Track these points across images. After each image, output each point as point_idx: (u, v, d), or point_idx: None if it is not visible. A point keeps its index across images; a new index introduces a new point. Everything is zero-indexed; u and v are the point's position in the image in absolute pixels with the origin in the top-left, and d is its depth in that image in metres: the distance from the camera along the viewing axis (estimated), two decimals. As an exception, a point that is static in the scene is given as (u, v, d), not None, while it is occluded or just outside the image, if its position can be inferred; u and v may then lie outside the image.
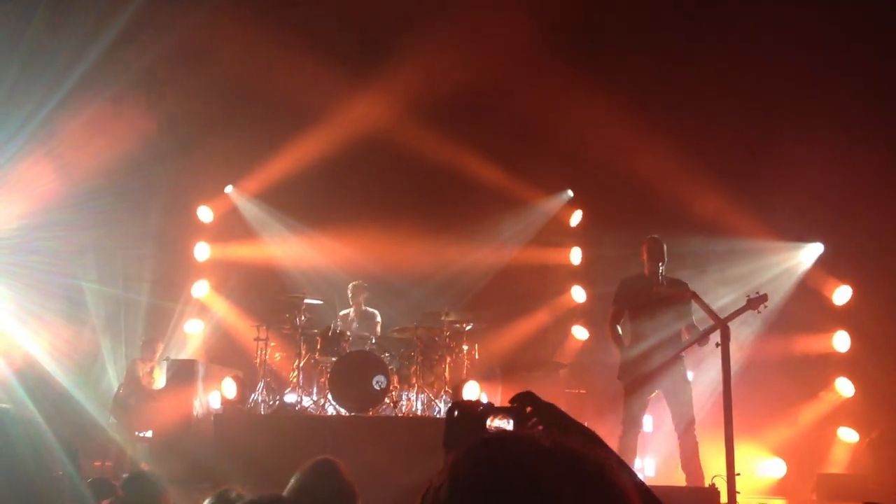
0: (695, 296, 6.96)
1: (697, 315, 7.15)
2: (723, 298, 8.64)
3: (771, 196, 9.51)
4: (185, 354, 10.37)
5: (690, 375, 7.47)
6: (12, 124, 9.66)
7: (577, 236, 11.24)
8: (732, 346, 6.38)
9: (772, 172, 9.54)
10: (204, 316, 11.05)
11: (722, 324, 6.36)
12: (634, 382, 7.27)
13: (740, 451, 6.31)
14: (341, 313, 10.09)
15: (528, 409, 1.75)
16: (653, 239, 7.56)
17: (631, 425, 7.24)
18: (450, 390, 9.29)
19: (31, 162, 9.78)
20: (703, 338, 6.83)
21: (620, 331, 7.58)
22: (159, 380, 9.77)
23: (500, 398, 8.92)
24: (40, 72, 9.72)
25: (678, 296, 7.28)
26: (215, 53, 10.20)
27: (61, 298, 10.02)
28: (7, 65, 9.44)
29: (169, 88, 10.71)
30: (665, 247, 7.48)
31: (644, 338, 7.30)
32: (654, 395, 7.30)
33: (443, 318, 9.66)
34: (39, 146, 9.85)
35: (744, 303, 6.54)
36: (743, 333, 8.76)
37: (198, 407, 9.07)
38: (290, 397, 9.36)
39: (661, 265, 7.36)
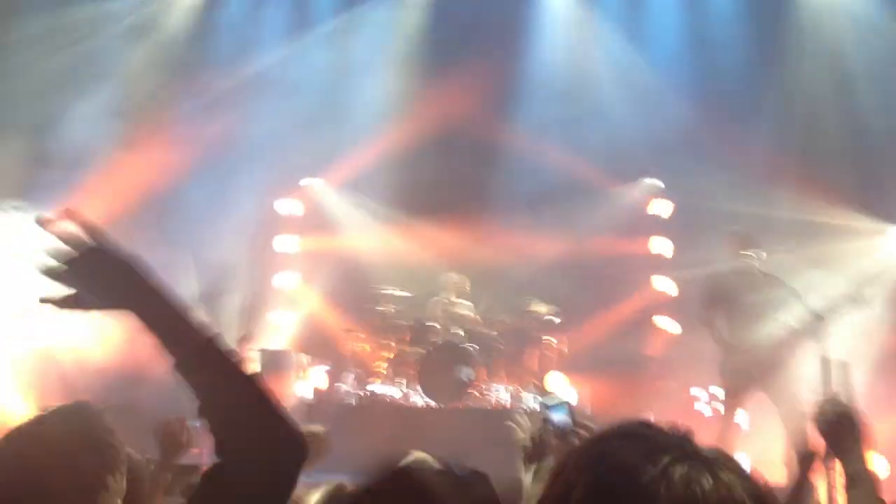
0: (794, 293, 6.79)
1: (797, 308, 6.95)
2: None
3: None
4: (275, 345, 10.56)
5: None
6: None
7: (668, 227, 11.03)
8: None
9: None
10: (293, 307, 11.24)
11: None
12: (738, 382, 7.13)
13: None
14: (432, 300, 10.12)
15: None
16: (744, 231, 7.39)
17: (731, 422, 7.12)
18: (538, 382, 9.27)
19: (127, 156, 10.08)
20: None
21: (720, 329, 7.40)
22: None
23: (589, 391, 8.86)
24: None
25: (776, 292, 7.09)
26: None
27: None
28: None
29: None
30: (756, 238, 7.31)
31: (745, 337, 7.13)
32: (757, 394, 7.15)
33: (531, 309, 9.64)
34: (134, 142, 10.14)
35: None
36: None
37: (291, 397, 9.24)
38: (379, 388, 9.49)
39: (756, 259, 7.19)
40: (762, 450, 7.47)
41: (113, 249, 1.58)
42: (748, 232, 7.45)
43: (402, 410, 9.06)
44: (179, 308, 1.60)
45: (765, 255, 7.36)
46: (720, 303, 7.41)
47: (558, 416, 2.46)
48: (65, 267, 1.56)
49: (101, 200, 9.55)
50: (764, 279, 7.20)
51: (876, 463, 8.00)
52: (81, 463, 1.99)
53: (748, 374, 7.05)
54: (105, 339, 8.95)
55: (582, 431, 2.44)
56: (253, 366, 9.88)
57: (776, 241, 8.19)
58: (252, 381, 1.64)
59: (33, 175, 9.24)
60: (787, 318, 7.08)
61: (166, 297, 1.60)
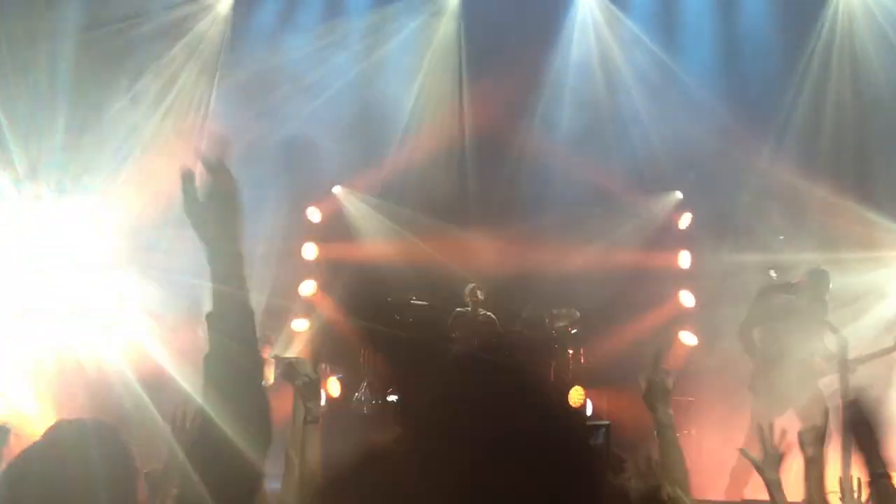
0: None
1: None
2: None
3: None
4: (291, 353, 10.53)
5: None
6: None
7: (686, 239, 10.94)
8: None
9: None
10: (310, 315, 11.21)
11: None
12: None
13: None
14: (455, 312, 10.05)
15: None
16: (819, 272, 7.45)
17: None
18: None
19: (156, 159, 10.09)
20: None
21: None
22: (269, 378, 9.95)
23: (605, 404, 8.78)
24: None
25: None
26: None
27: (183, 297, 10.25)
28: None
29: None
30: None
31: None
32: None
33: (548, 321, 9.58)
34: (163, 144, 10.17)
35: None
36: None
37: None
38: (392, 397, 9.44)
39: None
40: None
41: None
42: (820, 272, 7.53)
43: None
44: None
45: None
46: (761, 322, 7.46)
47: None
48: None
49: (136, 199, 9.62)
50: (808, 310, 7.23)
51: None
52: (99, 483, 1.98)
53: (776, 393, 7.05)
54: (127, 345, 8.98)
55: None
56: (270, 371, 9.85)
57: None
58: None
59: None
60: (818, 349, 7.07)
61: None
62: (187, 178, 1.81)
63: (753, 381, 7.32)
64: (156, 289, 9.56)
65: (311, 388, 3.34)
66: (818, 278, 7.42)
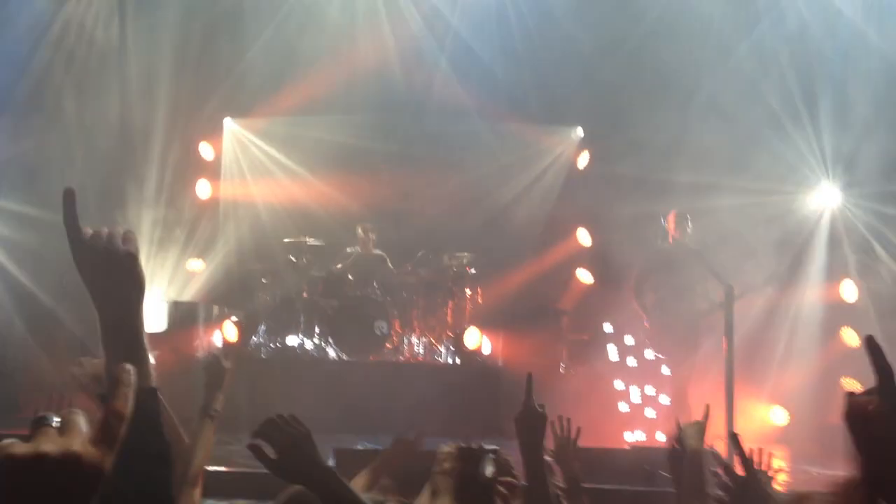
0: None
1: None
2: None
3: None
4: (186, 296, 10.28)
5: None
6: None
7: (584, 177, 11.02)
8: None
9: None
10: (205, 256, 10.93)
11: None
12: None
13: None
14: (347, 251, 9.98)
15: None
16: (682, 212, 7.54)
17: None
18: (451, 335, 9.25)
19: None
20: None
21: None
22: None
23: (501, 346, 8.87)
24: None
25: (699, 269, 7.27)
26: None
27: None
28: None
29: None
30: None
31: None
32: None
33: (445, 260, 9.58)
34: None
35: None
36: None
37: (199, 350, 9.02)
38: (291, 340, 9.33)
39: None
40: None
41: None
42: (685, 212, 7.61)
43: (314, 364, 8.95)
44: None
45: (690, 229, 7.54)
46: (651, 277, 7.57)
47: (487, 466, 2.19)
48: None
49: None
50: (693, 256, 7.34)
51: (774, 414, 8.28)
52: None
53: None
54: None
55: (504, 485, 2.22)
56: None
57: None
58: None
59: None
60: (707, 294, 7.22)
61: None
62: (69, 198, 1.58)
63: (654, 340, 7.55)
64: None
65: (215, 377, 3.08)
66: (681, 221, 7.54)
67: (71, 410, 1.01)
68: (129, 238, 1.63)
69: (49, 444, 0.95)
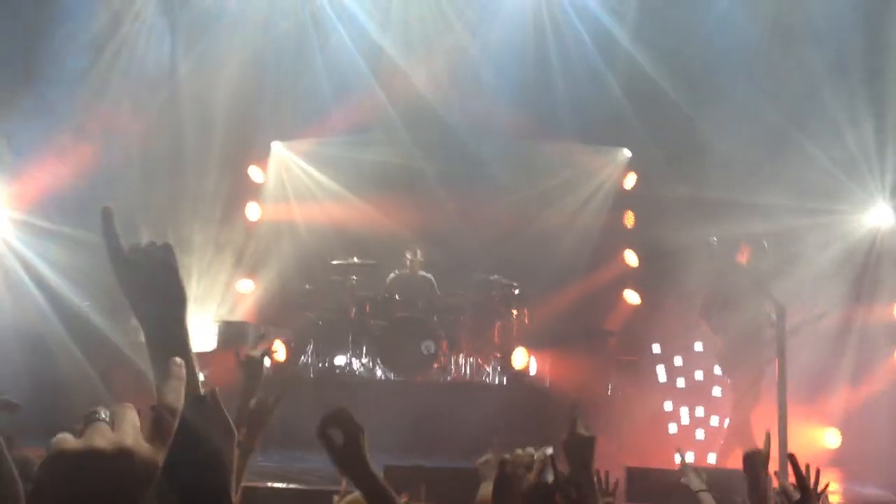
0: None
1: None
2: None
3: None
4: (236, 316, 10.43)
5: None
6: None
7: (631, 199, 10.99)
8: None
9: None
10: (255, 276, 11.08)
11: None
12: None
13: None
14: (393, 275, 10.03)
15: None
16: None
17: None
18: (499, 355, 9.24)
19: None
20: None
21: None
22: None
23: (548, 366, 8.85)
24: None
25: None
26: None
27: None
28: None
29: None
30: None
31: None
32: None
33: (492, 281, 9.59)
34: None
35: None
36: None
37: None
38: (339, 360, 9.41)
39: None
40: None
41: None
42: (759, 237, 7.61)
43: (362, 384, 9.01)
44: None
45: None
46: (719, 299, 7.55)
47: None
48: None
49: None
50: (758, 279, 7.31)
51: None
52: None
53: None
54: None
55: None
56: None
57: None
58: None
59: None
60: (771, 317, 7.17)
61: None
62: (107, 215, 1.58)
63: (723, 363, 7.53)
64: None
65: (252, 375, 3.02)
66: (757, 248, 7.50)
67: (121, 405, 1.00)
68: (167, 251, 1.63)
69: (101, 440, 0.94)
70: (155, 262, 1.62)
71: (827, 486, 2.99)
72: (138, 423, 0.98)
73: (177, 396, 1.02)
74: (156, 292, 1.62)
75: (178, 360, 1.07)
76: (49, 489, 0.94)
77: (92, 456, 0.93)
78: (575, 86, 10.56)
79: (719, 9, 9.92)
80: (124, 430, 0.96)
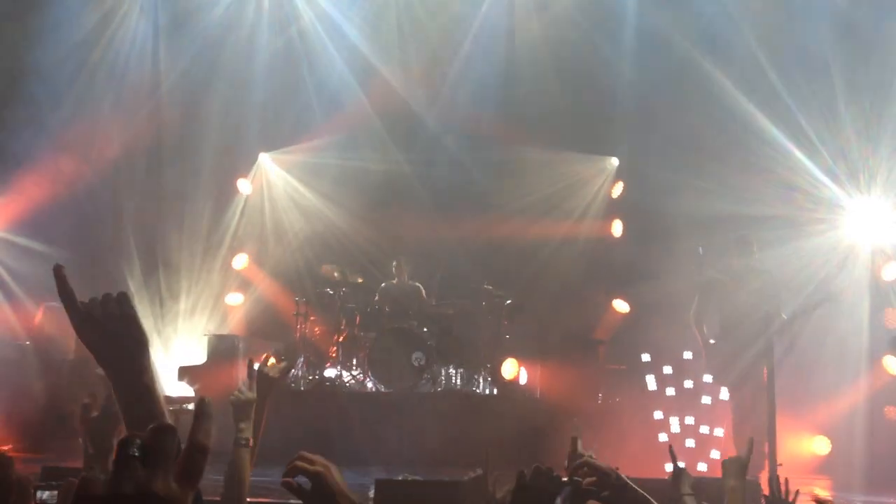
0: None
1: None
2: None
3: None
4: (225, 329, 10.41)
5: None
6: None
7: (619, 207, 11.03)
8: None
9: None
10: (244, 289, 11.07)
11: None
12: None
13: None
14: (383, 286, 10.04)
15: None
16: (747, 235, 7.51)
17: None
18: (488, 365, 9.24)
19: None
20: None
21: None
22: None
23: (538, 376, 8.86)
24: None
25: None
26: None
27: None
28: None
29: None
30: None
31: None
32: None
33: (483, 290, 9.59)
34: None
35: None
36: None
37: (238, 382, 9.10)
38: (329, 372, 9.40)
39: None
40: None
41: None
42: (748, 236, 7.60)
43: (351, 396, 9.00)
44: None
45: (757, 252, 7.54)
46: (710, 306, 7.54)
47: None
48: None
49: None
50: (755, 279, 7.32)
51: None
52: None
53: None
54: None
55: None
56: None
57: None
58: None
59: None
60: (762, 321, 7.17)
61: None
62: (59, 273, 1.59)
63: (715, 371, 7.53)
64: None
65: (243, 408, 3.04)
66: (745, 245, 7.49)
67: (164, 426, 0.97)
68: (122, 301, 1.66)
69: (128, 484, 0.92)
70: (112, 315, 1.64)
71: (797, 492, 2.98)
72: (174, 454, 0.95)
73: (207, 436, 0.99)
74: (116, 343, 1.64)
75: (207, 399, 1.04)
76: None
77: (117, 502, 0.91)
78: (562, 93, 10.62)
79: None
80: (156, 468, 0.94)
